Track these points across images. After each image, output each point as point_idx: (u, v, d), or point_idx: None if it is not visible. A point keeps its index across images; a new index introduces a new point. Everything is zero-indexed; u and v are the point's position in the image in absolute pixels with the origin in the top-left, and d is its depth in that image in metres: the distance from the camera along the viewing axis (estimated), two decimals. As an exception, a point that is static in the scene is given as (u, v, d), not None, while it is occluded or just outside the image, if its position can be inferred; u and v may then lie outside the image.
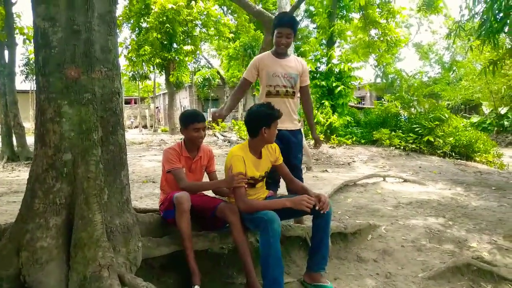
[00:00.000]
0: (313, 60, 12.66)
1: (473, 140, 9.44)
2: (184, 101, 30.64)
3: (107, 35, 2.15)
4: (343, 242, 3.14)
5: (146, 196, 4.93)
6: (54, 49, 1.96)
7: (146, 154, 10.39)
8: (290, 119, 3.21)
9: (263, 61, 3.15)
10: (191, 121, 2.69)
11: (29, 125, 21.57)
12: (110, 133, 2.14)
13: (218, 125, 15.61)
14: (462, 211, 4.25)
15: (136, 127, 31.87)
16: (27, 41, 10.28)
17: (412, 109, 11.88)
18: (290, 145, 3.16)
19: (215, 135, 14.62)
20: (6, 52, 9.43)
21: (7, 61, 9.40)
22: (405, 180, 6.06)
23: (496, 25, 5.42)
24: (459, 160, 8.81)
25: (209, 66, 30.13)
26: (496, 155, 9.61)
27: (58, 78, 1.96)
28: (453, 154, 9.14)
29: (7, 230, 2.04)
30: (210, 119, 6.13)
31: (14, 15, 9.39)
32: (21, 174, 7.28)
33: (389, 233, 3.45)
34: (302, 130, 3.78)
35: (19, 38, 9.85)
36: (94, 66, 2.04)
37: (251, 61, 3.29)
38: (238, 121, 19.72)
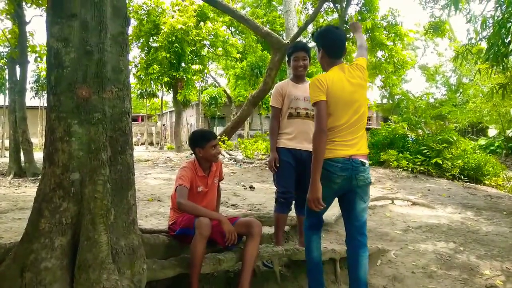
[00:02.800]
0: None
1: (482, 163, 9.32)
2: (191, 119, 30.84)
3: (118, 56, 2.17)
4: (351, 267, 3.05)
5: (151, 215, 4.88)
6: (67, 69, 1.98)
7: (152, 172, 10.38)
8: (309, 140, 3.21)
9: (285, 87, 3.26)
10: (208, 139, 2.72)
11: (37, 141, 21.78)
12: (119, 153, 2.13)
13: (224, 143, 15.62)
14: (473, 237, 4.16)
15: (143, 144, 32.01)
16: (39, 59, 10.49)
17: (420, 130, 11.81)
18: (305, 166, 3.12)
19: (221, 154, 14.64)
20: (17, 69, 9.61)
21: (18, 78, 9.56)
22: (414, 203, 5.96)
23: (503, 49, 5.43)
24: (468, 183, 8.68)
25: (216, 85, 30.44)
26: (506, 178, 9.47)
27: (69, 98, 1.98)
28: (462, 177, 9.01)
29: (12, 250, 2.02)
30: (217, 137, 6.17)
31: (27, 34, 9.60)
32: (28, 190, 7.28)
33: (398, 259, 3.37)
34: None
35: (30, 56, 10.06)
36: (105, 86, 2.05)
37: (272, 90, 3.38)
38: (244, 139, 19.75)
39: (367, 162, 2.30)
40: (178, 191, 2.55)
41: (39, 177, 2.08)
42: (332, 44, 2.38)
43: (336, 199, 2.44)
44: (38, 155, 7.66)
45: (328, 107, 2.24)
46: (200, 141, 2.73)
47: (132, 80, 19.78)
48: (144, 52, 20.21)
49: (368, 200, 2.37)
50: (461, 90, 20.91)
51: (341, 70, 2.33)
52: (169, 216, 2.82)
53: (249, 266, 2.40)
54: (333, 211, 5.06)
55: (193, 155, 2.83)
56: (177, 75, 19.11)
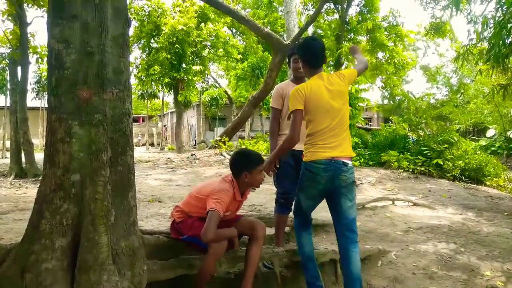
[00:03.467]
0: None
1: (483, 164, 9.30)
2: (192, 119, 30.86)
3: (119, 57, 2.17)
4: (352, 268, 3.05)
5: (152, 216, 4.89)
6: (67, 70, 1.99)
7: (153, 173, 10.38)
8: None
9: (285, 88, 3.27)
10: (257, 163, 2.48)
11: (38, 141, 21.81)
12: (119, 154, 2.13)
13: (225, 144, 15.62)
14: (474, 238, 4.15)
15: (143, 145, 32.04)
16: (40, 60, 10.50)
17: (420, 131, 11.79)
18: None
19: (221, 154, 14.61)
20: (19, 70, 9.62)
21: (19, 79, 9.58)
22: (415, 204, 5.96)
23: (504, 50, 5.42)
24: (469, 184, 8.67)
25: (217, 85, 30.45)
26: (507, 179, 9.45)
27: (70, 99, 1.98)
28: (463, 177, 9.00)
29: (12, 251, 2.02)
30: (218, 138, 6.15)
31: (29, 35, 9.62)
32: (28, 191, 7.29)
33: (399, 260, 3.36)
34: None
35: (32, 57, 10.08)
36: (106, 87, 2.06)
37: (272, 91, 3.41)
38: (245, 140, 19.75)
39: (350, 162, 2.44)
40: (211, 216, 2.24)
41: (40, 178, 2.09)
42: (311, 55, 2.55)
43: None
44: (39, 156, 7.68)
45: (309, 114, 2.45)
46: (250, 164, 2.46)
47: (133, 81, 19.82)
48: (145, 53, 20.24)
49: (354, 199, 2.46)
50: (462, 91, 20.89)
51: (320, 78, 2.50)
52: (175, 211, 2.58)
53: (252, 268, 2.37)
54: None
55: (233, 177, 2.53)
56: (178, 76, 19.12)
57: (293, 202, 3.23)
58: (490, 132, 18.60)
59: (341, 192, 2.42)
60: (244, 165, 2.47)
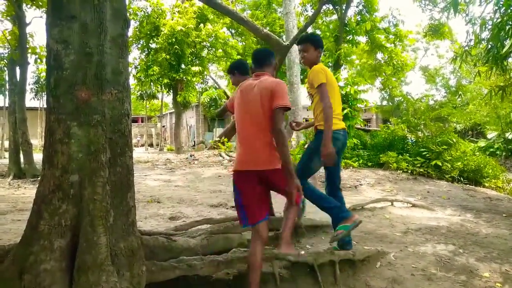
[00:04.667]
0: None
1: (481, 165, 9.31)
2: (191, 120, 30.86)
3: (118, 58, 2.18)
4: (351, 270, 3.05)
5: (150, 216, 4.88)
6: (66, 71, 1.99)
7: (152, 173, 10.37)
8: None
9: None
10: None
11: (36, 142, 21.77)
12: (118, 155, 2.13)
13: (224, 145, 15.60)
14: (473, 239, 4.15)
15: (142, 145, 32.05)
16: (39, 60, 10.49)
17: (419, 132, 11.81)
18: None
19: (220, 155, 14.60)
20: (17, 70, 9.61)
21: (18, 79, 9.57)
22: (414, 205, 5.95)
23: (502, 51, 5.43)
24: (467, 185, 8.68)
25: (216, 86, 30.44)
26: (505, 180, 9.46)
27: (69, 100, 1.98)
28: (462, 179, 9.01)
29: (11, 252, 2.02)
30: (217, 139, 6.16)
31: (28, 35, 9.61)
32: (27, 191, 7.28)
33: (398, 261, 3.36)
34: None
35: (30, 57, 10.07)
36: (105, 88, 2.06)
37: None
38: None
39: None
40: (281, 116, 2.20)
41: (39, 178, 2.08)
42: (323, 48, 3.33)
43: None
44: (38, 157, 7.66)
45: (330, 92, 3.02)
46: (272, 51, 2.84)
47: (132, 81, 19.81)
48: (144, 54, 20.24)
49: None
50: (460, 93, 20.96)
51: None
52: (266, 154, 2.33)
53: (258, 270, 2.32)
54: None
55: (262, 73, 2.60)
56: (177, 77, 19.13)
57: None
58: (491, 134, 18.61)
59: (342, 152, 3.15)
60: (271, 53, 2.81)
